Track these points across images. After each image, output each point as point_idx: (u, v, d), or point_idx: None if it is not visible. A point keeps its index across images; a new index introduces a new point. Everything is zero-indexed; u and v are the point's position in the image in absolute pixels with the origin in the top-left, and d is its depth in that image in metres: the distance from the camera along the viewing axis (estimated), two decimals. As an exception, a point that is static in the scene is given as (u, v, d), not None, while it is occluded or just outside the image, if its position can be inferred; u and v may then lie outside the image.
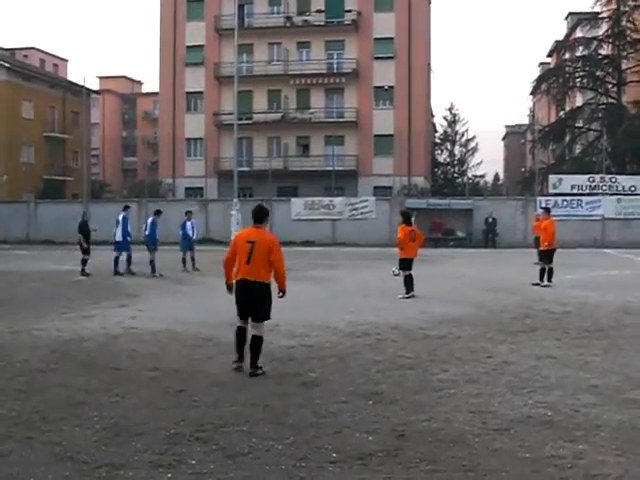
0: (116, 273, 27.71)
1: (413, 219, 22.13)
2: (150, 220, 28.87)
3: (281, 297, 11.45)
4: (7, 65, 70.84)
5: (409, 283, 20.71)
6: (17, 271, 29.66)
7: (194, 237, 30.69)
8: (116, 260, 27.99)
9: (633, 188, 51.14)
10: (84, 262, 27.77)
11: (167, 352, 12.61)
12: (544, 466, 6.99)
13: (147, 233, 28.45)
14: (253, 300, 11.09)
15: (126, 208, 29.23)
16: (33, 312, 17.63)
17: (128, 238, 28.31)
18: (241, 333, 11.30)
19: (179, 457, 7.23)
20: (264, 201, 53.00)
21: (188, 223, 30.42)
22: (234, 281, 11.33)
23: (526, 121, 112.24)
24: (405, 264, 21.03)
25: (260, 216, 11.47)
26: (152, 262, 27.74)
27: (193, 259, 29.99)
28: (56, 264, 32.70)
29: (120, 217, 28.43)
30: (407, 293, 20.49)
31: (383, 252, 41.50)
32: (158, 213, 29.28)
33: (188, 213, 31.20)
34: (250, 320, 11.22)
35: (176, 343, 13.44)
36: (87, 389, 9.92)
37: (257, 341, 11.06)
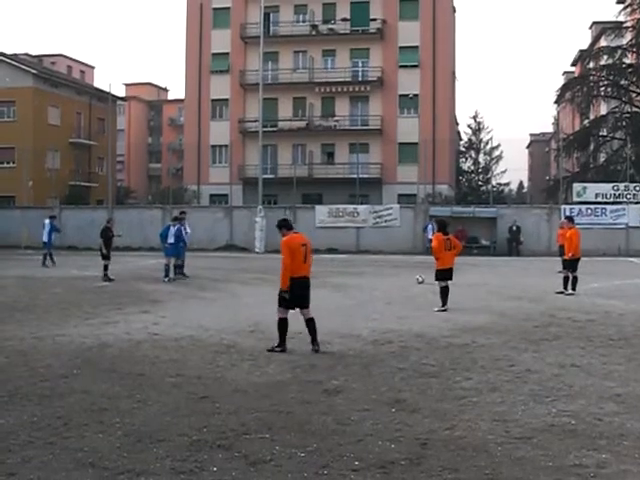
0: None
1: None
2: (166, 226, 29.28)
3: None
4: (34, 72, 71.35)
5: (444, 295, 19.79)
6: (41, 277, 29.81)
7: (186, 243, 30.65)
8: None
9: (657, 197, 50.83)
10: (105, 267, 28.04)
11: (189, 359, 12.63)
12: (567, 475, 6.95)
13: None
14: (308, 292, 13.48)
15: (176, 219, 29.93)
16: (56, 318, 17.73)
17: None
18: (286, 322, 13.31)
19: (201, 464, 7.23)
20: (288, 208, 53.23)
21: (183, 229, 30.23)
22: (293, 278, 13.12)
23: (550, 129, 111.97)
24: (440, 274, 20.08)
25: (291, 224, 13.89)
26: (166, 266, 28.20)
27: (182, 266, 29.89)
28: (79, 270, 32.81)
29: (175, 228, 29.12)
30: (442, 306, 19.55)
31: (407, 260, 41.50)
32: (175, 219, 29.65)
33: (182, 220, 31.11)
34: (300, 309, 13.40)
35: (199, 350, 13.46)
36: (109, 395, 9.96)
37: (314, 323, 13.41)
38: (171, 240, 28.30)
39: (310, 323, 13.35)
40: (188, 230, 30.89)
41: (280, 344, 13.24)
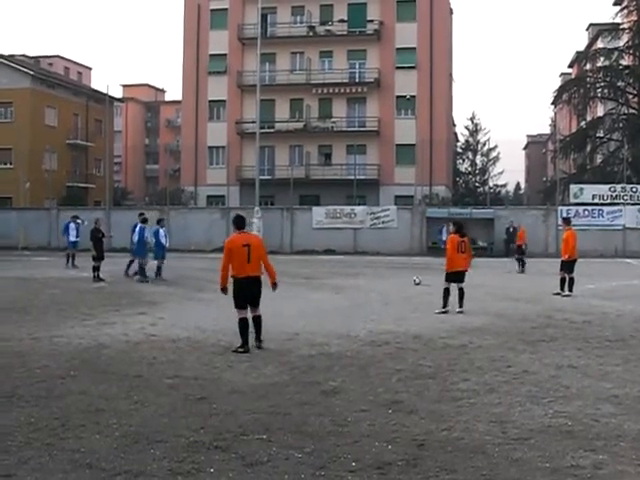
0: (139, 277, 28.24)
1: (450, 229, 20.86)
2: (138, 227, 28.96)
3: (274, 289, 13.98)
4: (32, 73, 71.24)
5: (445, 297, 19.52)
6: (38, 278, 29.78)
7: (167, 245, 30.33)
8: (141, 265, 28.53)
9: (654, 198, 50.94)
10: (94, 269, 28.50)
11: (187, 360, 12.61)
12: (564, 476, 6.95)
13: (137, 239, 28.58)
14: (255, 291, 13.58)
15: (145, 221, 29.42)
16: (53, 319, 17.70)
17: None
18: (246, 322, 13.51)
19: (198, 465, 7.22)
20: (285, 209, 53.31)
21: (161, 231, 29.97)
22: (237, 278, 13.43)
23: (547, 131, 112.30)
24: (451, 276, 19.80)
25: (244, 223, 14.06)
26: (141, 266, 28.30)
27: (159, 268, 29.55)
28: (77, 271, 32.82)
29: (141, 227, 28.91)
30: (443, 307, 19.33)
31: (404, 261, 41.49)
32: (145, 221, 29.27)
33: (161, 221, 30.99)
34: (249, 307, 13.57)
35: (196, 351, 13.44)
36: (107, 396, 9.94)
37: (260, 320, 13.74)
38: (136, 239, 28.42)
39: (256, 319, 13.70)
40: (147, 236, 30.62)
41: (242, 345, 13.36)
